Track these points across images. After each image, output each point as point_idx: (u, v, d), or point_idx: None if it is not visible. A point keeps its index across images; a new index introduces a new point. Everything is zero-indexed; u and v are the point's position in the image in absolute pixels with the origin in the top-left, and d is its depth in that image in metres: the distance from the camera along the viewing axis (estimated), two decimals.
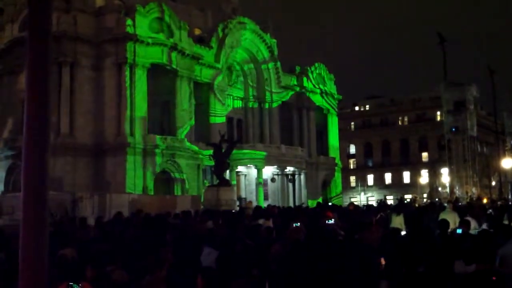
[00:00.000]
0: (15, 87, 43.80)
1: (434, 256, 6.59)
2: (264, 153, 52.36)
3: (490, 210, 18.79)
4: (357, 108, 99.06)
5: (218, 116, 52.16)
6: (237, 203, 36.85)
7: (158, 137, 44.77)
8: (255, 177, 53.36)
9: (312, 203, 58.80)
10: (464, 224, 10.78)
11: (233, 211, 24.33)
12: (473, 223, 13.40)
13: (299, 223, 8.72)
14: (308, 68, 64.49)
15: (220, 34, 53.71)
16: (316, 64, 65.69)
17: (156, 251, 6.75)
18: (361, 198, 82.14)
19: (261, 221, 13.26)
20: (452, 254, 7.28)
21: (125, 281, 6.59)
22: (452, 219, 12.63)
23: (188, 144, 46.93)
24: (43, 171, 2.73)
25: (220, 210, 21.79)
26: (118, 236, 11.09)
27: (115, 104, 43.74)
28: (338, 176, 67.53)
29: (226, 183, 34.58)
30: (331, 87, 67.00)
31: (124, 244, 9.54)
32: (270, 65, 59.38)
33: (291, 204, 46.10)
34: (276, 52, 59.78)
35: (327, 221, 10.86)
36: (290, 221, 9.98)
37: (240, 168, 52.46)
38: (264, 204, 39.28)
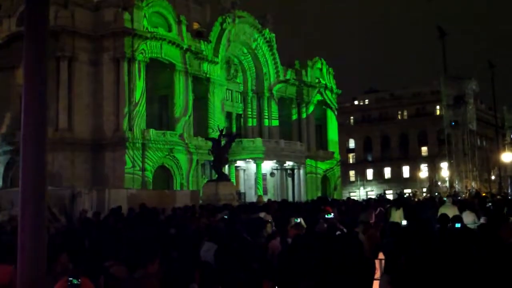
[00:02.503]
0: (12, 82, 43.65)
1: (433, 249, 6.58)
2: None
3: (490, 204, 18.84)
4: (356, 102, 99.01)
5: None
6: (237, 198, 36.82)
7: (156, 132, 44.76)
8: (254, 172, 53.34)
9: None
10: (456, 219, 10.77)
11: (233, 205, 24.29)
12: (472, 217, 13.45)
13: (299, 219, 8.72)
14: (308, 62, 64.34)
15: (219, 29, 53.55)
16: (316, 58, 65.51)
17: (149, 244, 6.73)
18: (360, 193, 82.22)
19: (262, 215, 13.31)
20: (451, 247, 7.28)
21: (124, 276, 6.55)
22: (451, 213, 12.63)
23: (187, 138, 46.91)
24: (41, 166, 2.71)
25: (219, 205, 21.75)
26: (118, 231, 11.08)
27: (113, 99, 43.65)
28: (337, 170, 67.55)
29: (225, 178, 34.53)
30: (330, 82, 66.85)
31: (123, 238, 9.52)
32: (269, 59, 59.24)
33: (291, 199, 46.11)
34: (275, 47, 59.61)
35: (326, 216, 10.88)
36: (290, 216, 9.99)
37: (239, 163, 52.43)
38: (264, 199, 39.31)
